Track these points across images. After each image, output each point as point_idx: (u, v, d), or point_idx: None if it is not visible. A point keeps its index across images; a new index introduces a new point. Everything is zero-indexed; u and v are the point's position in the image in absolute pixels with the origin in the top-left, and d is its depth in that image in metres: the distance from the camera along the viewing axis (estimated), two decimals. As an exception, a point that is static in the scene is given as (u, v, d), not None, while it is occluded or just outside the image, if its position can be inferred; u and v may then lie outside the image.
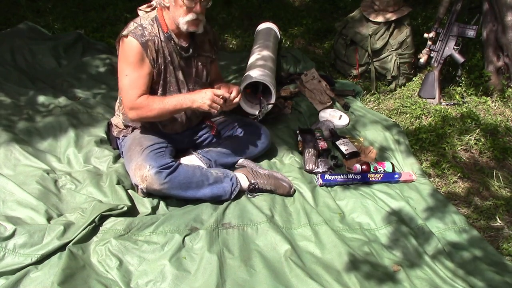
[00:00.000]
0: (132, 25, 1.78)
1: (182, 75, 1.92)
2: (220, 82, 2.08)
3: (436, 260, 1.70)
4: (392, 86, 3.13)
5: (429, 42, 2.95)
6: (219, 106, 1.77)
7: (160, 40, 1.81)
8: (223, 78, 2.95)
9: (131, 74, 1.78)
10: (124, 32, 1.77)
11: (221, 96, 1.77)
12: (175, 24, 1.80)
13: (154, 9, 1.86)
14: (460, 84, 3.04)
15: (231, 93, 1.85)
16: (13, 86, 2.55)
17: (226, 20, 4.16)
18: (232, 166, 2.07)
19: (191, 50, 1.91)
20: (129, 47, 1.75)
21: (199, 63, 1.97)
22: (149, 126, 1.97)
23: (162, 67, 1.85)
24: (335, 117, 2.61)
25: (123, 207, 1.72)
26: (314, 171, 2.15)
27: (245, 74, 2.41)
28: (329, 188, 2.08)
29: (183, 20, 1.76)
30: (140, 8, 1.89)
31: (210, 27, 2.03)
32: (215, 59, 2.08)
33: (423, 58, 2.98)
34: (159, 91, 1.88)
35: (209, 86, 2.04)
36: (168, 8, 1.78)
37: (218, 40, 2.12)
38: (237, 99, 1.86)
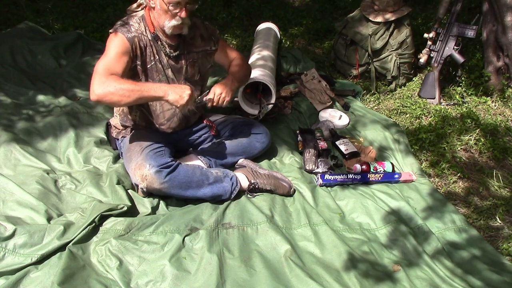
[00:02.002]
0: (118, 23, 1.78)
1: (172, 72, 1.91)
2: (237, 62, 2.05)
3: (435, 260, 1.71)
4: (392, 86, 3.13)
5: (429, 42, 2.95)
6: (190, 108, 1.72)
7: (148, 39, 1.81)
8: (223, 79, 2.94)
9: (109, 54, 1.69)
10: (111, 30, 1.76)
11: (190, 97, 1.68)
12: (161, 27, 1.79)
13: (143, 8, 1.86)
14: (460, 84, 3.04)
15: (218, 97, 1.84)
16: (13, 86, 2.55)
17: (226, 20, 4.15)
18: (232, 166, 2.08)
19: (179, 49, 1.90)
20: (114, 38, 1.72)
21: (189, 61, 1.95)
22: (147, 125, 1.97)
23: (149, 66, 1.83)
24: (335, 117, 2.61)
25: (123, 207, 1.72)
26: (314, 171, 2.15)
27: (245, 74, 2.41)
28: (329, 188, 2.08)
29: (169, 24, 1.75)
30: (129, 8, 1.88)
31: (200, 21, 1.99)
32: (215, 50, 2.02)
33: (423, 58, 2.98)
34: None
35: (202, 83, 2.04)
36: (154, 9, 1.77)
37: (214, 29, 2.03)
38: (224, 103, 1.83)
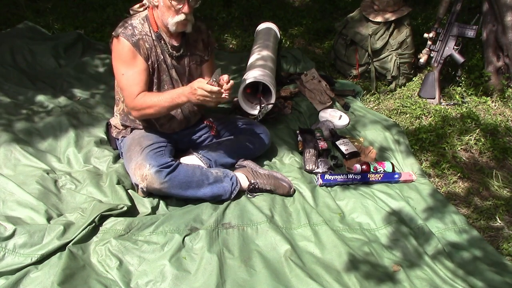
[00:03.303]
0: (122, 25, 1.78)
1: (176, 73, 1.92)
2: None
3: (436, 260, 1.70)
4: (392, 86, 3.13)
5: (429, 42, 2.95)
6: (212, 101, 1.67)
7: (152, 39, 1.82)
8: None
9: (127, 72, 1.78)
10: (115, 33, 1.77)
11: (209, 90, 1.63)
12: (165, 24, 1.80)
13: (146, 8, 1.86)
14: (460, 84, 3.04)
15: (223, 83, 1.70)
16: (13, 86, 2.55)
17: (226, 20, 4.16)
18: (232, 166, 2.07)
19: (182, 50, 1.91)
20: (120, 47, 1.76)
21: (192, 62, 1.96)
22: (147, 125, 1.97)
23: (156, 65, 1.85)
24: (335, 117, 2.61)
25: (123, 207, 1.72)
26: (314, 171, 2.15)
27: (245, 74, 2.41)
28: (329, 188, 2.08)
29: (172, 21, 1.76)
30: (132, 8, 1.88)
31: (205, 27, 2.01)
32: (207, 60, 2.04)
33: (423, 58, 2.98)
34: (154, 90, 1.88)
35: None
36: (157, 7, 1.78)
37: (213, 41, 2.08)
38: (228, 85, 1.69)
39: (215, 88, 1.64)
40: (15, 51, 2.91)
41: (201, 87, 1.64)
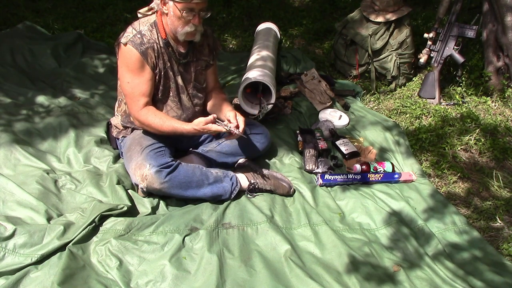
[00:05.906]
0: (131, 32, 1.77)
1: (182, 80, 1.92)
2: (217, 89, 2.07)
3: (436, 261, 1.70)
4: (392, 86, 3.13)
5: (429, 42, 2.96)
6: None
7: (160, 46, 1.81)
8: (222, 79, 2.95)
9: (133, 81, 1.78)
10: (123, 40, 1.76)
11: (214, 130, 1.77)
12: (173, 32, 1.80)
13: (154, 12, 1.86)
14: (460, 84, 3.04)
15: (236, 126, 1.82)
16: (13, 86, 2.55)
17: (226, 20, 4.16)
18: (232, 166, 2.07)
19: (189, 56, 1.91)
20: (128, 55, 1.76)
21: (198, 68, 1.97)
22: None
23: (162, 72, 1.85)
24: (335, 117, 2.61)
25: (123, 207, 1.72)
26: (314, 171, 2.15)
27: (245, 74, 2.41)
28: (329, 188, 2.08)
29: (182, 31, 1.76)
30: (140, 11, 1.87)
31: (211, 32, 2.02)
32: (212, 65, 2.04)
33: (423, 58, 2.98)
34: (158, 96, 1.88)
35: (207, 91, 2.05)
36: (167, 14, 1.78)
37: (219, 46, 2.08)
38: (240, 131, 1.82)
39: (223, 129, 1.77)
40: (15, 51, 2.92)
41: (209, 128, 1.76)
